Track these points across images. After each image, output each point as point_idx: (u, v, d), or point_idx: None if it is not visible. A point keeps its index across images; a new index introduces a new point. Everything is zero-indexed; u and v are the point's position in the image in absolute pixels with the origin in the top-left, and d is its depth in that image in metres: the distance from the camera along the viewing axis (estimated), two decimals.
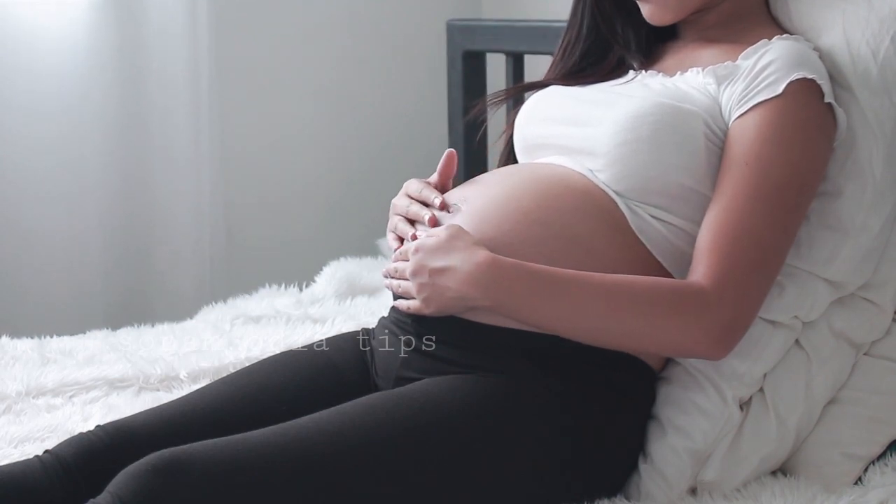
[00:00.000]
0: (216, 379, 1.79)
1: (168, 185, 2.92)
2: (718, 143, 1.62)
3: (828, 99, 1.61)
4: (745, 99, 1.61)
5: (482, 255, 1.55)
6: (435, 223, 1.65)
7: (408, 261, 1.60)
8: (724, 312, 1.53)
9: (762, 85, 1.60)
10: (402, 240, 1.69)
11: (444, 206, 1.66)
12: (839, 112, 1.63)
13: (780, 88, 1.59)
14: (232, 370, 2.02)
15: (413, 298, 1.60)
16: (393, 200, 1.74)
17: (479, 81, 2.79)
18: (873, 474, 1.64)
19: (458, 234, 1.58)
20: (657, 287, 1.55)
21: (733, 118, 1.61)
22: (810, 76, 1.60)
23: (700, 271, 1.55)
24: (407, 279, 1.60)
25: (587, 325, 1.55)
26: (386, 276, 1.66)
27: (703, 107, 1.63)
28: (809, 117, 1.60)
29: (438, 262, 1.57)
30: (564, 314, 1.54)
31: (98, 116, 2.82)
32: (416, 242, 1.60)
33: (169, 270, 2.96)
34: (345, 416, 1.49)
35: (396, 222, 1.71)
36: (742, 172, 1.57)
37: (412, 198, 1.71)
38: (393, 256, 1.67)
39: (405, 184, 1.75)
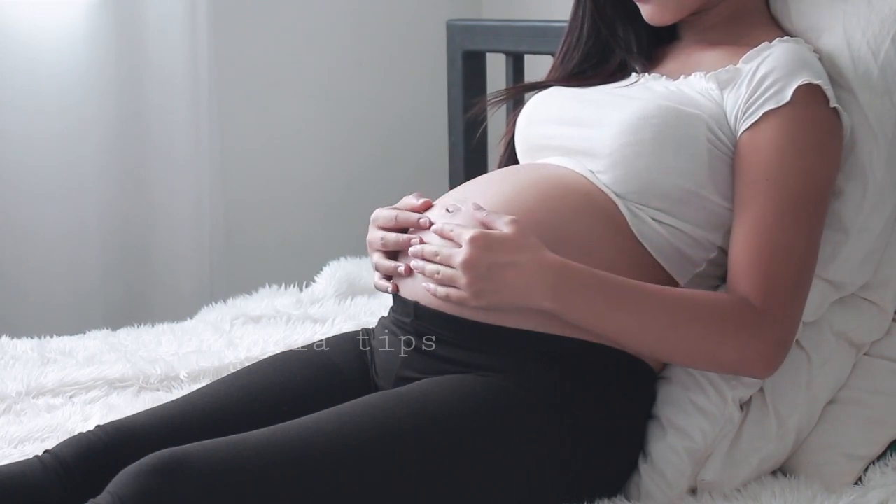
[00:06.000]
0: (216, 379, 1.78)
1: (168, 185, 2.92)
2: (723, 147, 1.62)
3: (833, 104, 1.61)
4: (753, 108, 1.60)
5: (551, 256, 1.53)
6: (428, 225, 1.61)
7: (457, 247, 1.54)
8: (775, 331, 1.55)
9: (769, 93, 1.59)
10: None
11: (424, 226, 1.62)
12: (844, 115, 1.63)
13: (788, 95, 1.59)
14: (232, 370, 2.02)
15: (452, 287, 1.54)
16: (367, 238, 1.68)
17: (479, 81, 2.79)
18: (873, 474, 1.64)
19: (523, 230, 1.54)
20: (715, 304, 1.55)
21: (742, 128, 1.61)
22: (815, 81, 1.60)
23: (744, 290, 1.55)
24: (451, 267, 1.54)
25: (649, 338, 1.55)
26: (415, 256, 1.58)
27: (706, 111, 1.62)
28: (820, 123, 1.60)
29: (503, 258, 1.52)
30: (628, 324, 1.54)
31: (97, 116, 2.82)
32: (473, 233, 1.53)
33: (169, 270, 2.96)
34: (344, 416, 1.49)
35: (377, 260, 1.66)
36: (764, 188, 1.57)
37: (385, 228, 1.66)
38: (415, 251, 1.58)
39: (371, 217, 1.68)
